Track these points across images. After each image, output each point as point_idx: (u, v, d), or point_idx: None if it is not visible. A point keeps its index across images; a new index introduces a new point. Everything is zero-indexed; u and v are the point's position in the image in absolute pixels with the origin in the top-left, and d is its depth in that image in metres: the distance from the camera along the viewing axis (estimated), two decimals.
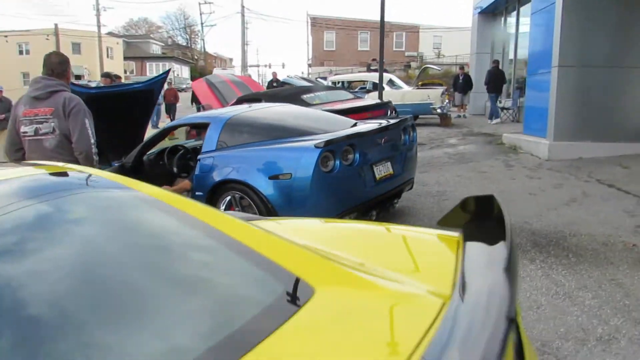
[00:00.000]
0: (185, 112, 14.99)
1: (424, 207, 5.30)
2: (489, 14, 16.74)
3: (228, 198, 4.11)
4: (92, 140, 3.41)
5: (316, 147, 3.76)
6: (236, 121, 4.51)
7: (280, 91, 8.85)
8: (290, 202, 3.83)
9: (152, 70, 50.15)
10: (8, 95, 10.63)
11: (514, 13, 15.05)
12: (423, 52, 39.31)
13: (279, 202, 3.85)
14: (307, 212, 3.72)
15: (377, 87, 12.32)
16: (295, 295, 1.15)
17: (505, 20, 16.17)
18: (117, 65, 45.96)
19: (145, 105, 6.39)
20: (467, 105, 15.90)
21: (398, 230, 1.83)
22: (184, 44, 65.42)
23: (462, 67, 16.88)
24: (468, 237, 1.31)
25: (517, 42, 14.87)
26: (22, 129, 3.35)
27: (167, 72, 6.55)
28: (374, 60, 21.56)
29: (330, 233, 1.89)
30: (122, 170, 4.84)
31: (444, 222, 1.54)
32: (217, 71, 31.75)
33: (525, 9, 14.07)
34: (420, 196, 5.68)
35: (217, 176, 4.17)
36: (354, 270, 1.26)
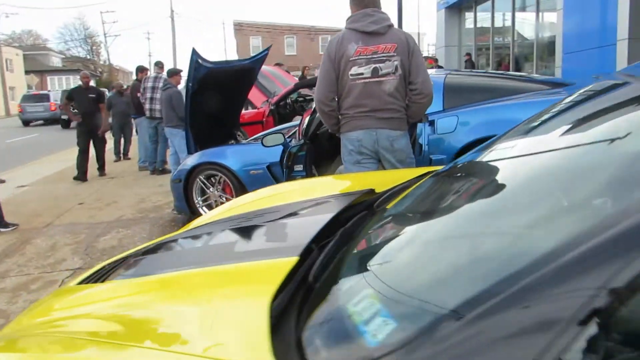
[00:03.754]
0: None
1: None
2: (455, 9, 17.40)
3: None
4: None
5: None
6: (453, 81, 4.27)
7: None
8: None
9: (55, 84, 46.28)
10: None
11: (488, 5, 15.74)
12: None
13: None
14: None
15: None
16: None
17: (475, 14, 16.87)
18: (18, 79, 41.99)
19: (248, 84, 5.97)
20: None
21: None
22: (84, 55, 61.17)
23: (435, 59, 17.37)
24: None
25: (493, 32, 15.57)
26: (355, 70, 2.83)
27: (269, 48, 6.06)
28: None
29: None
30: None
31: None
32: None
33: (500, 3, 14.81)
34: None
35: (467, 136, 3.86)
36: None
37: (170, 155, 7.37)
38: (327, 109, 2.91)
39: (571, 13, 9.14)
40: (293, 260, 1.25)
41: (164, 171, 8.38)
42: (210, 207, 4.96)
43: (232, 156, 4.77)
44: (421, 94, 2.88)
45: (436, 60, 16.84)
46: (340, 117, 2.95)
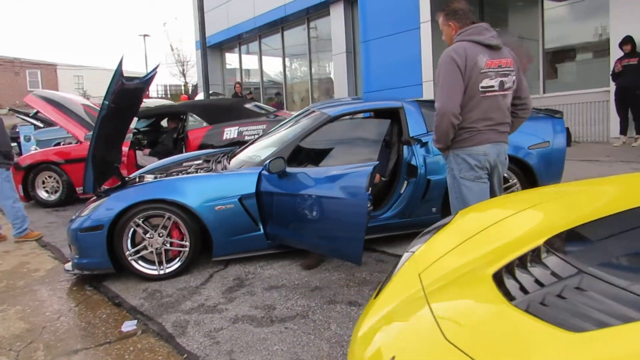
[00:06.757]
0: None
1: None
2: (216, 49, 17.58)
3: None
4: None
5: (558, 117, 4.26)
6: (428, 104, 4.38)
7: (218, 102, 8.82)
8: (549, 168, 4.19)
9: None
10: None
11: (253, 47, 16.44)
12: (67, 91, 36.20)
13: (542, 169, 4.15)
14: (559, 179, 4.22)
15: None
16: None
17: (240, 54, 17.35)
18: None
19: (135, 109, 4.98)
20: None
21: None
22: None
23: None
24: None
25: (262, 73, 16.29)
26: (486, 82, 2.72)
27: (157, 67, 5.17)
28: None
29: None
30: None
31: None
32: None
33: (270, 43, 15.70)
34: None
35: None
36: None
37: None
38: (457, 121, 2.72)
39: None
40: None
41: None
42: (145, 259, 3.87)
43: (187, 190, 3.84)
44: (527, 109, 2.97)
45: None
46: (460, 130, 2.77)
